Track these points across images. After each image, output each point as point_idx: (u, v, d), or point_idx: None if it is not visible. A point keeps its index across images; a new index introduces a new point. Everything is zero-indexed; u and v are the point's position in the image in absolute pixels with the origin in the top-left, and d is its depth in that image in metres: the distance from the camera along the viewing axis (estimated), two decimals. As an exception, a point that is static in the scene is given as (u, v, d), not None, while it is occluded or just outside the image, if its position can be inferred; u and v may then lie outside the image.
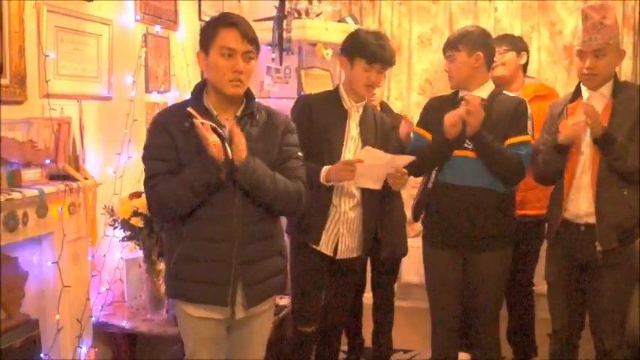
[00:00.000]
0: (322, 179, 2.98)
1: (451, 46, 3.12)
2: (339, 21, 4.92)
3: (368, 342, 4.08)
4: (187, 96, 3.97)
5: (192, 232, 2.30)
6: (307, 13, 4.61)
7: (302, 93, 4.49)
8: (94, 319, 3.18)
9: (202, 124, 2.21)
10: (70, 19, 3.07)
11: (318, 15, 4.64)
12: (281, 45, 4.35)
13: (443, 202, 3.13)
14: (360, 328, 4.10)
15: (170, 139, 2.27)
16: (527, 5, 5.02)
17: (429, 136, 3.20)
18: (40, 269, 2.86)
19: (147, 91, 3.76)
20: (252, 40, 2.33)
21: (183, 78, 4.13)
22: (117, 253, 3.42)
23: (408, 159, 2.96)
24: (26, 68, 2.80)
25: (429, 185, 3.17)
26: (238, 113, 2.39)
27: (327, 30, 4.54)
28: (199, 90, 2.42)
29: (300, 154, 2.57)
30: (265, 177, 2.34)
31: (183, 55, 4.12)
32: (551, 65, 4.99)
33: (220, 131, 2.29)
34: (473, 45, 3.04)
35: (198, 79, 4.27)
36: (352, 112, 3.13)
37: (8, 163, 2.67)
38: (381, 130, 3.21)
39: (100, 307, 3.29)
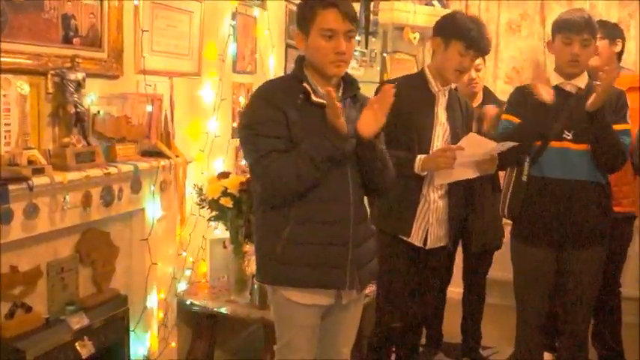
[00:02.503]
0: (417, 168, 2.86)
1: (590, 29, 2.89)
2: (426, 4, 4.78)
3: (446, 337, 3.98)
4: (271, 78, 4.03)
5: (303, 214, 2.20)
6: (395, -4, 4.49)
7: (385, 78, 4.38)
8: (177, 298, 3.17)
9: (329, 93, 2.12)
10: (166, -5, 3.05)
11: (406, -3, 4.52)
12: (367, 28, 4.27)
13: (540, 197, 2.97)
14: (441, 322, 3.99)
15: (282, 115, 2.17)
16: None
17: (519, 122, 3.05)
18: (131, 245, 2.86)
19: (234, 70, 3.72)
20: (352, 18, 2.23)
21: (269, 59, 4.07)
22: (201, 232, 3.40)
23: (509, 145, 2.82)
24: (123, 43, 2.78)
25: (523, 178, 3.02)
26: (339, 93, 2.31)
27: (415, 13, 4.42)
28: (300, 66, 2.34)
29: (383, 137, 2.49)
30: (384, 151, 2.29)
31: (270, 35, 4.05)
32: (651, 55, 4.73)
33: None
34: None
35: (282, 62, 4.24)
36: (439, 97, 3.00)
37: (104, 138, 2.66)
38: (466, 115, 3.09)
39: (184, 287, 3.28)
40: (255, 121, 2.20)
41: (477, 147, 2.77)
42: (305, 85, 2.21)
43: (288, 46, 4.34)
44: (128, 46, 2.83)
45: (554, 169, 2.93)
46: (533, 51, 5.03)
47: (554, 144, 2.91)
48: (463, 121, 3.05)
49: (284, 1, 4.28)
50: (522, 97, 3.04)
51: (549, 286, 3.07)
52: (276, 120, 2.16)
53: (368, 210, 2.56)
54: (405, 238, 2.98)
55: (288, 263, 2.22)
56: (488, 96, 3.73)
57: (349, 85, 2.35)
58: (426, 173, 2.89)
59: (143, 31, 2.86)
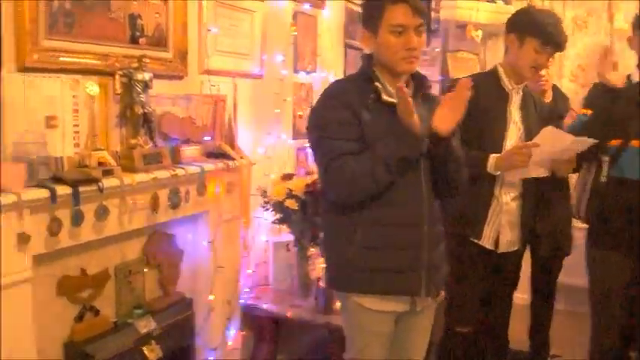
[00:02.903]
0: (490, 168, 2.75)
1: None
2: (488, 1, 4.65)
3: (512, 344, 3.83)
4: (332, 78, 3.97)
5: (374, 218, 2.11)
6: (457, -8, 4.37)
7: (447, 77, 4.27)
8: (242, 301, 3.12)
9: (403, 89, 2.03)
10: (228, -5, 3.01)
11: (468, -6, 4.39)
12: (429, 25, 4.14)
13: (620, 199, 2.82)
14: (507, 328, 3.84)
15: (353, 116, 2.09)
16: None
17: None
18: (195, 248, 2.82)
19: (295, 70, 3.66)
20: (422, 12, 2.14)
21: (328, 59, 4.00)
22: (263, 235, 3.34)
23: (589, 142, 2.68)
24: (187, 43, 2.75)
25: (602, 179, 2.87)
26: (410, 92, 2.21)
27: (477, 11, 4.29)
28: (369, 64, 2.25)
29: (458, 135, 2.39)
30: (458, 149, 2.19)
31: (330, 35, 3.99)
32: None
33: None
34: None
35: (341, 62, 4.17)
36: (513, 95, 2.88)
37: (169, 139, 2.63)
38: (540, 115, 2.96)
39: (247, 290, 3.23)
40: (326, 123, 2.11)
41: (554, 142, 2.65)
42: (377, 84, 2.13)
43: (347, 45, 4.27)
44: (192, 46, 2.80)
45: (635, 170, 2.77)
46: (600, 48, 4.83)
47: (635, 143, 2.75)
48: (537, 121, 2.92)
49: (344, 1, 4.21)
50: (599, 92, 2.93)
51: (630, 295, 2.90)
52: (348, 121, 2.08)
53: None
54: (475, 241, 2.87)
55: (361, 269, 2.14)
56: (558, 94, 3.57)
57: (420, 82, 2.26)
58: (499, 173, 2.77)
59: (208, 30, 2.81)
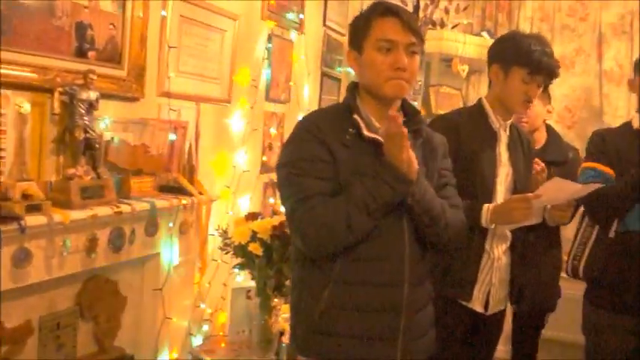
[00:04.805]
0: (485, 221, 2.44)
1: None
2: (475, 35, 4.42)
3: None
4: (306, 109, 3.67)
5: (347, 273, 1.82)
6: (442, 24, 4.13)
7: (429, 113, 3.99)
8: (190, 356, 2.74)
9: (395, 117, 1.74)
10: (197, 9, 2.68)
11: (454, 27, 4.15)
12: (422, 48, 3.87)
13: (626, 256, 2.57)
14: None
15: (328, 153, 1.81)
16: (692, 29, 4.38)
17: (611, 171, 2.64)
18: (141, 296, 2.45)
19: (267, 98, 3.34)
20: (416, 31, 1.86)
21: (301, 89, 3.69)
22: (221, 279, 2.98)
23: (593, 187, 2.42)
24: (146, 61, 2.41)
25: (611, 234, 2.60)
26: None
27: (464, 44, 4.04)
28: (354, 94, 1.95)
29: (454, 180, 2.11)
30: (435, 200, 1.90)
31: (306, 62, 3.68)
32: None
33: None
34: None
35: (317, 92, 3.87)
36: (501, 133, 2.59)
37: (117, 169, 2.28)
38: (528, 154, 2.67)
39: (199, 342, 2.85)
40: (297, 158, 1.84)
41: (558, 192, 2.37)
42: (355, 117, 1.85)
43: (324, 74, 3.98)
44: (151, 64, 2.47)
45: (636, 221, 2.55)
46: (588, 89, 4.64)
47: None
48: (525, 162, 2.63)
49: (322, 27, 3.92)
50: (602, 142, 2.68)
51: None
52: (322, 158, 1.81)
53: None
54: (464, 303, 2.54)
55: (328, 333, 1.85)
56: (554, 138, 3.29)
57: (411, 116, 1.96)
58: (493, 226, 2.47)
59: (170, 47, 2.48)
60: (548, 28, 4.66)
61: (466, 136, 2.51)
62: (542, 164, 2.64)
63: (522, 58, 2.47)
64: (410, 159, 1.79)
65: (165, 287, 2.45)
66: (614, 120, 4.48)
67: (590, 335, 2.75)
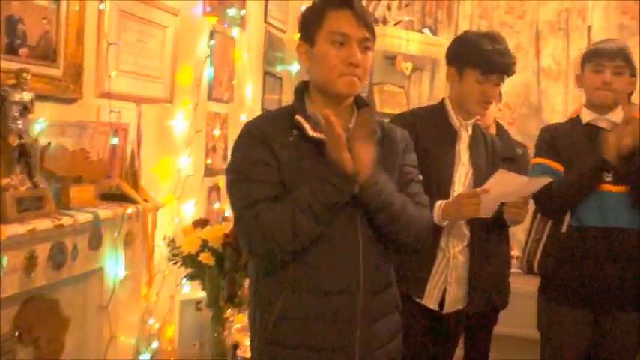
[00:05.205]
0: (436, 218, 2.39)
1: (624, 57, 2.60)
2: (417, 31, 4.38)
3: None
4: (249, 109, 3.53)
5: (298, 281, 1.74)
6: (385, 21, 4.06)
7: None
8: (139, 374, 2.57)
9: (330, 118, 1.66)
10: (136, 4, 2.50)
11: (396, 24, 4.09)
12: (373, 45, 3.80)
13: (581, 250, 2.61)
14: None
15: (272, 156, 1.74)
16: (626, 26, 4.47)
17: (560, 167, 2.65)
18: (84, 314, 2.26)
19: (209, 98, 3.19)
20: (370, 26, 1.81)
21: (243, 88, 3.55)
22: (168, 291, 2.81)
23: (543, 182, 2.42)
24: (84, 59, 2.22)
25: (563, 229, 2.63)
26: (351, 125, 1.82)
27: (408, 41, 3.98)
28: (301, 94, 1.85)
29: (420, 177, 2.03)
30: (394, 195, 1.82)
31: (249, 60, 3.54)
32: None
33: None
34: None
35: (260, 91, 3.74)
36: (462, 133, 2.55)
37: (55, 178, 2.09)
38: (492, 155, 2.65)
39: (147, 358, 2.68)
40: (241, 163, 1.79)
41: (506, 186, 2.35)
42: (297, 117, 1.78)
43: (266, 72, 3.84)
44: (89, 62, 2.28)
45: (592, 216, 2.60)
46: (527, 86, 4.68)
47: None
48: (488, 162, 2.60)
49: (264, 23, 3.79)
50: (551, 138, 2.75)
51: (585, 353, 2.70)
52: (266, 162, 1.75)
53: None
54: (418, 300, 2.48)
55: (282, 343, 1.79)
56: (503, 135, 3.28)
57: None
58: (446, 223, 2.41)
59: (109, 44, 2.30)
60: (487, 25, 4.66)
61: (423, 134, 2.47)
62: None
63: (474, 59, 2.45)
64: (359, 156, 1.70)
65: (111, 303, 2.26)
66: (552, 115, 4.54)
67: (545, 330, 2.79)
